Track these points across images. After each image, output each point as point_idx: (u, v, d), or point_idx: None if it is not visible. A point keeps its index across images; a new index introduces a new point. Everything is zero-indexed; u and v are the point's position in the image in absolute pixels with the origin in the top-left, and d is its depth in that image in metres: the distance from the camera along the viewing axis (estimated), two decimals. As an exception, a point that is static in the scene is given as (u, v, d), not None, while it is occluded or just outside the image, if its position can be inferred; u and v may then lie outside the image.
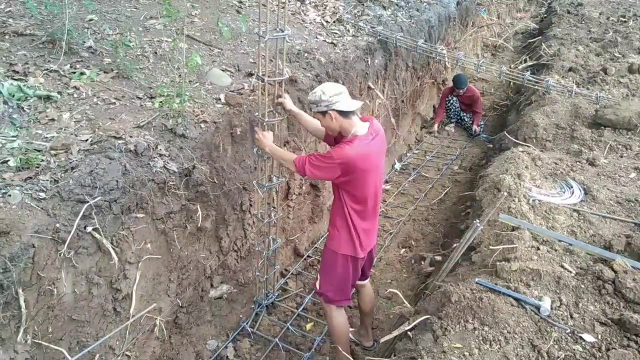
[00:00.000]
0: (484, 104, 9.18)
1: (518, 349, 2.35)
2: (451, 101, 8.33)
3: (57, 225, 2.57)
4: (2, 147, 2.92)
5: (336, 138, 3.34)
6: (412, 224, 5.66)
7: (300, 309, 4.23)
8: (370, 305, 3.78)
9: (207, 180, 3.55)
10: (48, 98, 3.45)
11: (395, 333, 2.77)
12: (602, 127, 4.92)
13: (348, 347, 3.45)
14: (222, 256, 3.96)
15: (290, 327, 4.00)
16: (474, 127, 8.06)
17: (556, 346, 2.39)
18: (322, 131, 3.42)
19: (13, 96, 3.32)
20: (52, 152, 2.96)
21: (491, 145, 6.94)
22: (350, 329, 3.86)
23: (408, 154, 7.53)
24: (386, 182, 6.64)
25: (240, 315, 4.10)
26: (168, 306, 3.46)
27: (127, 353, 3.15)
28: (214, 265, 3.87)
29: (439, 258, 4.27)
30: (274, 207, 4.01)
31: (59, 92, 3.49)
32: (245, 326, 3.97)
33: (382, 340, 2.97)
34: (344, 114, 3.02)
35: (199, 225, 3.55)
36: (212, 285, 3.92)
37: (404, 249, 5.20)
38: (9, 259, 2.29)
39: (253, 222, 4.24)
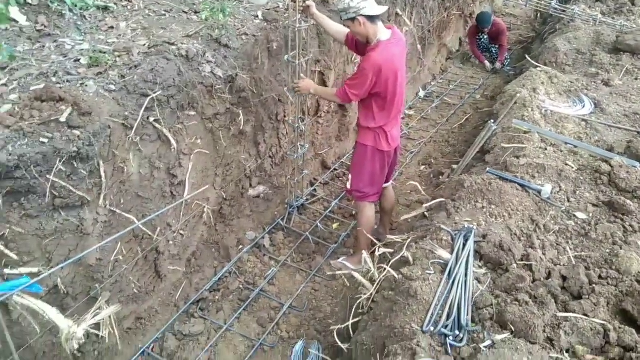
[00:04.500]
0: (510, 39, 9.23)
1: (519, 222, 2.76)
2: (482, 40, 8.41)
3: (126, 113, 2.99)
4: (72, 49, 3.33)
5: (358, 46, 3.70)
6: (432, 145, 6.01)
7: (328, 211, 4.70)
8: (390, 205, 4.22)
9: (248, 88, 3.93)
10: (106, 8, 3.82)
11: (413, 213, 3.21)
12: (621, 53, 5.11)
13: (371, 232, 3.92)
14: (259, 160, 4.39)
15: (319, 224, 4.48)
16: (497, 63, 8.17)
17: (552, 221, 2.79)
18: (343, 35, 3.77)
19: (76, 6, 3.69)
20: (116, 53, 3.35)
21: (513, 73, 7.12)
22: None
23: (432, 83, 7.76)
24: (409, 108, 6.94)
25: (275, 213, 4.59)
26: (214, 197, 3.94)
27: (181, 232, 3.66)
28: (252, 167, 4.31)
29: (455, 167, 4.65)
30: (302, 117, 4.37)
31: (115, 4, 3.85)
32: (279, 222, 4.46)
33: (402, 218, 3.40)
34: (371, 19, 3.34)
35: (240, 128, 3.97)
36: (250, 185, 4.39)
37: (423, 166, 5.58)
38: (92, 134, 2.73)
39: (286, 132, 4.64)
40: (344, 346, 2.50)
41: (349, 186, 3.91)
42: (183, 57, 3.46)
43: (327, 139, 5.50)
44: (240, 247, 4.17)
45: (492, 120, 3.25)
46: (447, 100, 7.18)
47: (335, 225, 4.62)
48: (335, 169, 5.37)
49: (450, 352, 1.99)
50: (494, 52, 8.39)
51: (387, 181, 4.06)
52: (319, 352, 3.32)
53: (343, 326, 2.55)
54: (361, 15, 3.30)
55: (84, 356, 3.04)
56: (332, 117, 5.52)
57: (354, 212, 4.78)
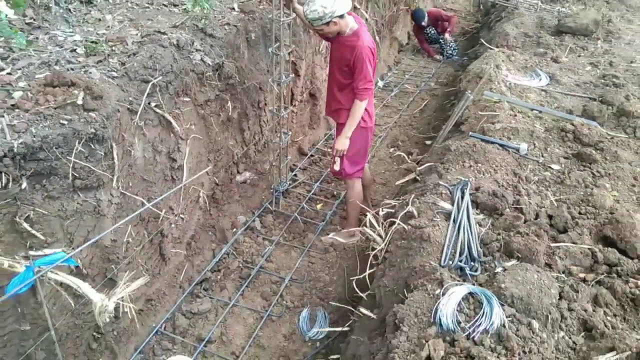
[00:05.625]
0: (454, 31, 9.79)
1: (504, 176, 3.10)
2: (429, 34, 8.90)
3: (130, 99, 3.10)
4: (65, 40, 3.40)
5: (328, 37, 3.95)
6: (398, 129, 6.37)
7: (311, 193, 4.92)
8: (369, 181, 4.51)
9: (235, 74, 4.10)
10: (89, 2, 3.89)
11: (406, 178, 3.49)
12: (564, 34, 5.67)
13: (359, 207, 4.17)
14: (244, 146, 4.56)
15: (305, 205, 4.69)
16: (446, 35, 8.68)
17: (531, 173, 3.16)
18: None
19: (61, -1, 3.73)
20: (110, 43, 3.44)
21: (466, 58, 7.62)
22: None
23: (389, 74, 8.15)
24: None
25: (262, 197, 4.76)
26: (207, 182, 4.08)
27: (182, 216, 3.77)
28: (239, 153, 4.47)
29: (429, 142, 4.99)
30: (285, 105, 4.57)
31: (98, -3, 3.91)
32: (267, 205, 4.64)
33: (397, 183, 3.69)
34: (342, 16, 3.60)
35: (229, 114, 4.12)
36: (238, 172, 4.54)
37: (392, 148, 5.91)
38: (105, 117, 2.83)
39: (267, 119, 4.83)
40: (363, 294, 2.73)
41: (336, 168, 4.10)
42: (174, 46, 3.58)
43: (301, 127, 5.72)
44: (235, 230, 4.32)
45: (469, 91, 3.60)
46: (404, 89, 7.58)
47: (319, 206, 4.85)
48: (311, 155, 5.60)
49: (470, 279, 2.28)
50: (442, 42, 8.89)
51: None
52: (325, 317, 3.54)
53: (360, 276, 2.78)
54: (335, 17, 3.53)
55: (104, 337, 3.11)
56: (305, 106, 5.75)
57: (335, 193, 5.03)
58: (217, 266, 3.98)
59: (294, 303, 3.71)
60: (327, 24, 3.60)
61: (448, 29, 8.76)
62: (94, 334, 3.07)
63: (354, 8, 6.68)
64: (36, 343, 2.67)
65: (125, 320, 3.23)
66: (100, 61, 3.21)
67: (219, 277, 3.89)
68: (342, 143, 3.86)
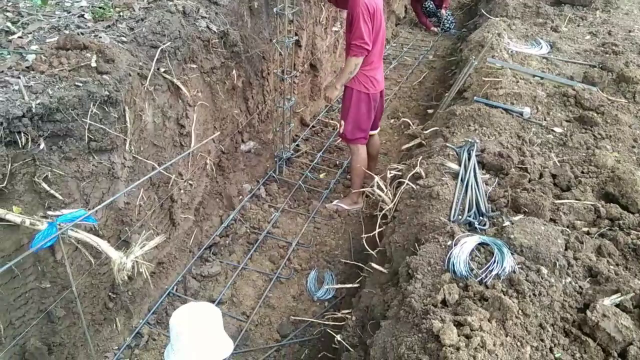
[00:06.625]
0: (452, 5, 9.77)
1: (508, 138, 3.18)
2: (427, 7, 8.88)
3: (140, 63, 3.13)
4: (72, 5, 3.41)
5: None
6: (398, 101, 6.42)
7: (314, 162, 4.99)
8: (376, 151, 4.57)
9: (239, 42, 4.12)
10: (93, -31, 3.85)
11: (412, 143, 3.57)
12: (563, 4, 5.72)
13: (363, 173, 4.24)
14: (248, 115, 4.60)
15: (308, 174, 4.76)
16: (442, 10, 8.68)
17: (534, 136, 3.24)
18: None
19: (64, -34, 3.71)
20: (117, 9, 3.45)
21: (465, 30, 7.63)
22: None
23: (387, 47, 8.15)
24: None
25: (266, 166, 4.82)
26: (214, 150, 4.13)
27: (190, 182, 3.83)
28: (243, 122, 4.51)
29: (431, 111, 5.06)
30: (288, 69, 4.60)
31: (100, -35, 3.89)
32: (272, 174, 4.71)
33: (403, 147, 3.76)
34: None
35: (234, 82, 4.15)
36: (242, 141, 4.59)
37: (393, 119, 5.97)
38: (118, 80, 2.87)
39: (270, 89, 4.86)
40: (372, 251, 2.83)
41: (341, 131, 4.18)
42: (181, 13, 3.60)
43: (302, 98, 5.76)
44: (241, 197, 4.39)
45: (473, 57, 3.66)
46: (403, 62, 7.61)
47: (322, 175, 4.92)
48: (313, 126, 5.65)
49: (479, 232, 2.37)
50: (440, 16, 8.89)
51: (374, 128, 4.39)
52: (332, 278, 3.64)
53: (371, 234, 2.88)
54: None
55: (119, 297, 3.19)
56: (306, 77, 5.78)
57: (337, 163, 5.10)
58: (225, 231, 4.06)
59: (301, 266, 3.80)
60: None
61: (444, 5, 8.75)
62: (110, 294, 3.15)
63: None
64: (56, 301, 2.74)
65: (139, 281, 3.32)
66: (109, 26, 3.23)
67: (227, 241, 3.97)
68: (330, 91, 4.03)
